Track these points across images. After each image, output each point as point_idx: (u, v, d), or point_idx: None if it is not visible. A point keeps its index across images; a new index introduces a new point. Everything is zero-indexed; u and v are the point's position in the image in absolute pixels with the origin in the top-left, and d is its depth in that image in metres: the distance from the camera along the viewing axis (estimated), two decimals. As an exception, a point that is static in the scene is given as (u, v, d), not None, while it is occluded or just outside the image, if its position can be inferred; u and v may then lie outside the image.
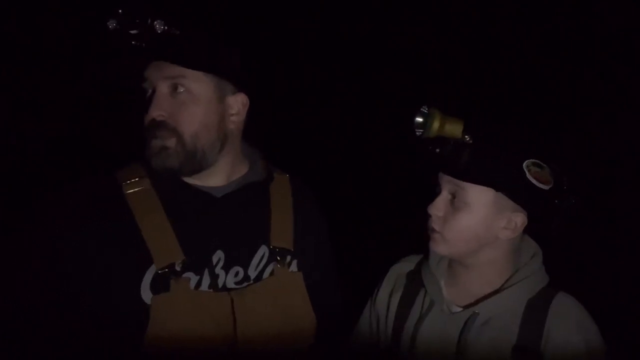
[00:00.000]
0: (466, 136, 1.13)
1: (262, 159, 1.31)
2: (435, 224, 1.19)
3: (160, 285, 1.10)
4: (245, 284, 1.18)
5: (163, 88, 1.12)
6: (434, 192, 1.21)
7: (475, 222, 1.15)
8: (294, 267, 1.25)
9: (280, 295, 1.20)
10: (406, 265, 1.38)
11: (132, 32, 1.06)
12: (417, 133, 1.16)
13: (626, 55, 2.31)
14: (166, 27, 1.07)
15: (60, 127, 2.42)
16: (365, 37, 2.89)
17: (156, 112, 1.11)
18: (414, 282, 1.31)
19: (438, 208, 1.18)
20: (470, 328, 1.17)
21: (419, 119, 1.16)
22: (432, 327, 1.22)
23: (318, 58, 2.88)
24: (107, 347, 1.07)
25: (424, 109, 1.16)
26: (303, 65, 2.82)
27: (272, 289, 1.19)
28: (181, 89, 1.12)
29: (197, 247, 1.14)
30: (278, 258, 1.22)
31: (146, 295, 1.09)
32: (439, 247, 1.20)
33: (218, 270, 1.16)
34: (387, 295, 1.35)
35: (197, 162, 1.15)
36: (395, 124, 1.32)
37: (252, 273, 1.20)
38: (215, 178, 1.21)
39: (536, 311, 1.15)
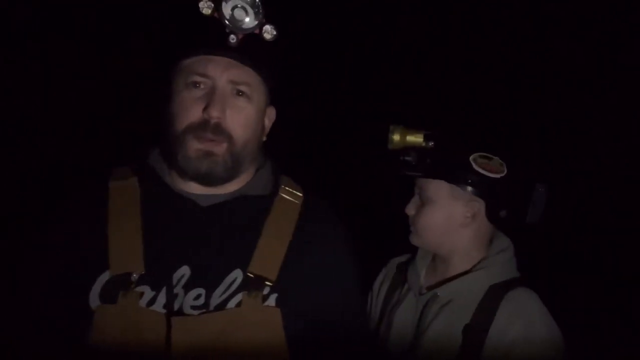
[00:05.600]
0: (430, 143, 1.31)
1: (272, 171, 1.18)
2: (410, 221, 1.37)
3: (110, 294, 1.00)
4: (203, 311, 1.02)
5: (227, 89, 1.04)
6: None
7: (437, 214, 1.32)
8: (271, 301, 1.04)
9: (243, 332, 1.01)
10: (402, 258, 1.53)
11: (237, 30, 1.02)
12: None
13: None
14: (275, 34, 1.05)
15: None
16: (365, 37, 2.90)
17: (216, 113, 1.01)
18: (401, 272, 1.47)
19: (409, 208, 1.37)
20: (430, 308, 1.30)
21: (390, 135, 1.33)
22: (404, 309, 1.36)
23: (319, 58, 2.88)
24: (50, 348, 1.00)
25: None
26: (303, 66, 2.81)
27: (230, 323, 1.00)
28: (242, 94, 1.05)
29: (163, 259, 1.02)
30: (251, 287, 1.03)
31: (94, 301, 1.00)
32: (413, 240, 1.38)
33: (178, 289, 1.02)
34: (378, 284, 1.52)
35: (237, 171, 1.08)
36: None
37: (215, 300, 1.02)
38: (222, 186, 1.09)
39: (493, 297, 1.26)
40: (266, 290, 1.04)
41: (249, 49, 1.04)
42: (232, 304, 1.02)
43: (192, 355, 0.98)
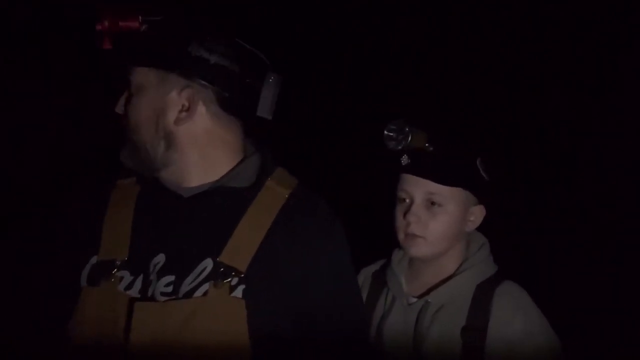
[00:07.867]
0: (427, 145, 1.25)
1: (260, 163, 1.14)
2: (415, 229, 1.26)
3: (95, 277, 1.07)
4: (171, 298, 1.02)
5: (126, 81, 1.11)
6: (393, 202, 1.32)
7: (453, 220, 1.27)
8: (238, 292, 1.01)
9: (206, 322, 0.99)
10: (373, 266, 1.47)
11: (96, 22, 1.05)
12: (393, 145, 1.25)
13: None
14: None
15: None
16: (364, 38, 2.91)
17: (117, 106, 1.12)
18: (378, 281, 1.40)
19: (417, 215, 1.26)
20: (425, 316, 1.27)
21: (401, 134, 1.23)
22: (394, 320, 1.31)
23: (318, 59, 2.88)
24: (40, 323, 1.09)
25: (402, 126, 1.23)
26: (301, 65, 2.82)
27: (193, 312, 0.99)
28: (131, 80, 1.08)
29: (144, 247, 1.07)
30: (219, 277, 1.02)
31: (83, 282, 1.08)
32: (422, 250, 1.27)
33: (153, 275, 1.04)
34: None
35: (143, 158, 1.08)
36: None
37: (184, 288, 1.02)
38: (186, 178, 1.10)
39: (483, 295, 1.25)
40: (234, 281, 1.02)
41: (117, 40, 1.07)
42: (199, 292, 1.01)
43: (150, 342, 0.97)
